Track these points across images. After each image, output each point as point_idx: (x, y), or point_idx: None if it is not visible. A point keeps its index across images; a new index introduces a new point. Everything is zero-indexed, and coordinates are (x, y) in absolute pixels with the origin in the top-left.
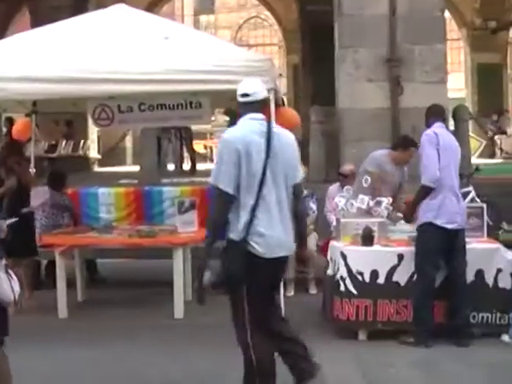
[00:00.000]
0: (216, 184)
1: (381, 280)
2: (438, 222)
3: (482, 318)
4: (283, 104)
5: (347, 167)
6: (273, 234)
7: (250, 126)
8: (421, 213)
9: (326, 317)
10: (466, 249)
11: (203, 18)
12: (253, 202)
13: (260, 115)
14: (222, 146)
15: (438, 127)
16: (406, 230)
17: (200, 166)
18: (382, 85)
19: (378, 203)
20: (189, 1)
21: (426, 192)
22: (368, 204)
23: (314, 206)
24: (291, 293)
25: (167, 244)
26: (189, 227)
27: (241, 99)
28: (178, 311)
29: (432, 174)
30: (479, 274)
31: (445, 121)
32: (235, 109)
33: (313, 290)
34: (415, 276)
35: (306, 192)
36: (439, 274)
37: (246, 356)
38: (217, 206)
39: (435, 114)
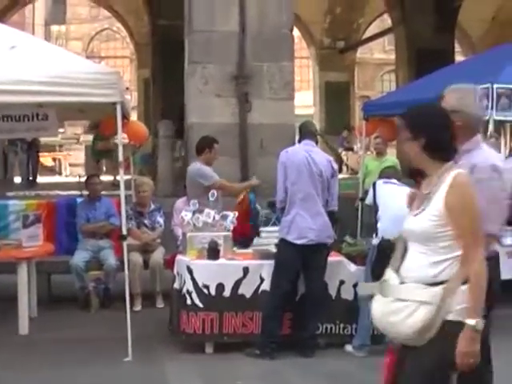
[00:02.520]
0: None
1: (227, 293)
2: (289, 238)
3: (326, 328)
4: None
5: None
6: None
7: None
8: (279, 229)
9: (173, 330)
10: (325, 264)
11: (54, 29)
12: None
13: None
14: None
15: (302, 144)
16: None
17: (48, 179)
18: (230, 101)
19: (224, 217)
20: (40, 10)
21: (280, 211)
22: (214, 218)
23: (161, 219)
24: (138, 307)
25: (11, 259)
26: (34, 241)
27: None
28: (23, 327)
29: (278, 195)
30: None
31: (315, 138)
32: None
33: (160, 304)
34: (261, 289)
35: (153, 206)
36: (300, 288)
37: None
38: None
39: (302, 131)
